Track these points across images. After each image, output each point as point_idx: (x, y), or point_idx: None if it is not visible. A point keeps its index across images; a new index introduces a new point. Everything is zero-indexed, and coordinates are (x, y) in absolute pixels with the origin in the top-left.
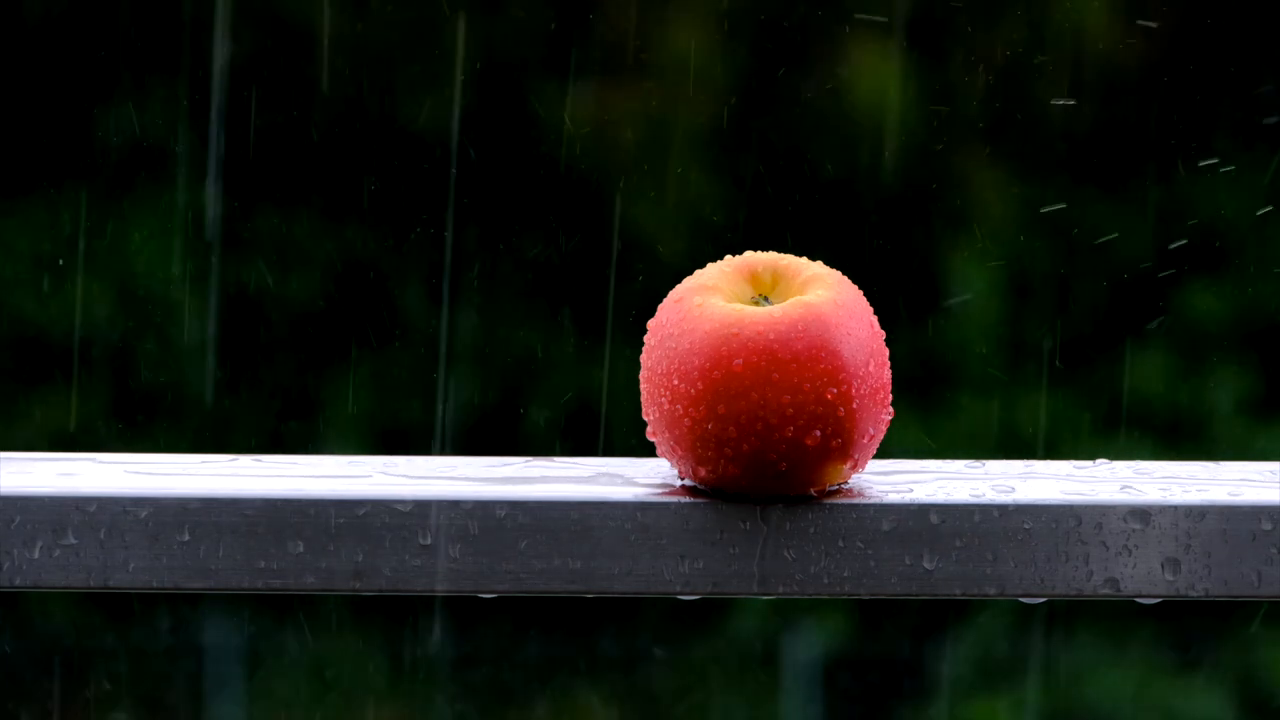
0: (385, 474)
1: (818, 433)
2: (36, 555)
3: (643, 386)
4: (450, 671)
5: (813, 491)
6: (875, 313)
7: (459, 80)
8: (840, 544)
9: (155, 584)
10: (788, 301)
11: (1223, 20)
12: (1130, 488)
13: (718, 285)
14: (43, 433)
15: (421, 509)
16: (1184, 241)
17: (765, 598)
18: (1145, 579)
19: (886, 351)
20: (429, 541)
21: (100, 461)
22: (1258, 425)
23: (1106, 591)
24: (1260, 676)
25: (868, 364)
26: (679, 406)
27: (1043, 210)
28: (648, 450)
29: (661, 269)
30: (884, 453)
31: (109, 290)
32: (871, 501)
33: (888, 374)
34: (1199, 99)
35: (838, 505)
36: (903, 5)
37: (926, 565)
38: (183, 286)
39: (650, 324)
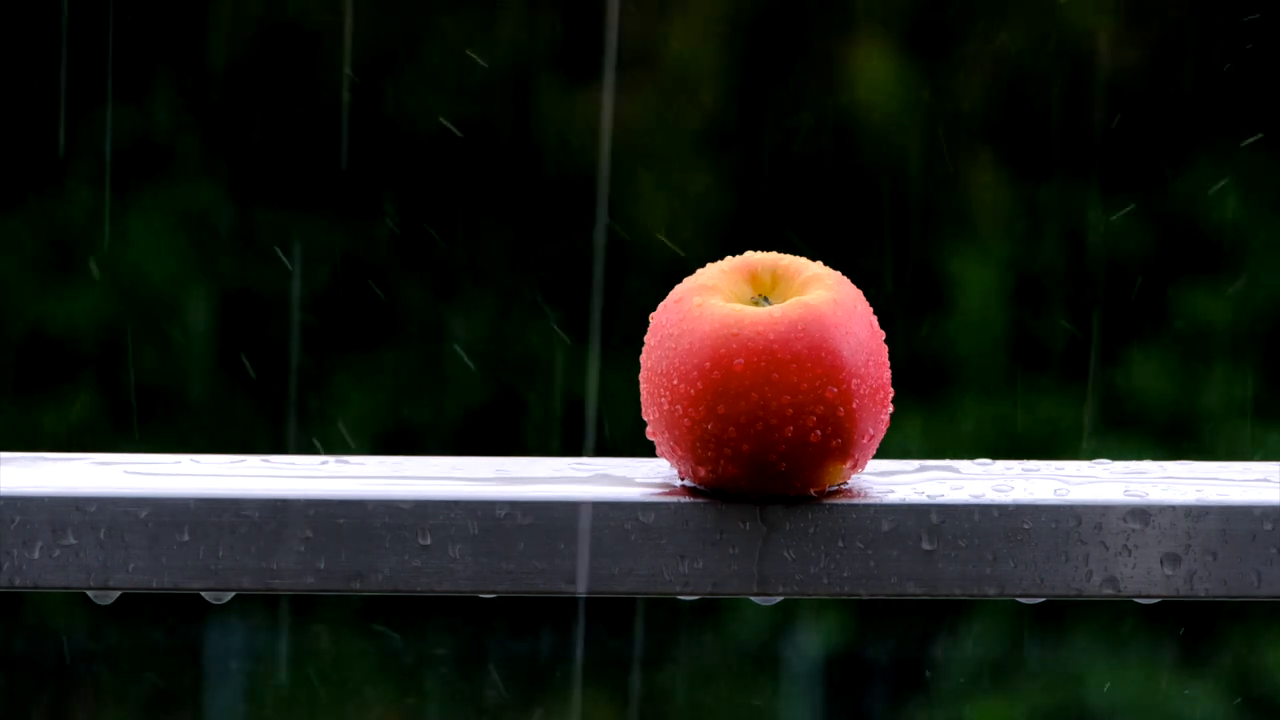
0: (385, 474)
1: (818, 433)
2: (36, 555)
3: (643, 386)
4: (450, 671)
5: (813, 491)
6: (875, 313)
7: (460, 79)
8: (840, 544)
9: (155, 584)
10: (787, 302)
11: (1224, 19)
12: (1130, 488)
13: (718, 285)
14: (43, 433)
15: (421, 509)
16: (1184, 242)
17: (765, 598)
18: (1145, 579)
19: (886, 351)
20: (429, 541)
21: (100, 461)
22: (1257, 426)
23: (1106, 592)
24: (1260, 676)
25: (867, 364)
26: (679, 406)
27: (1043, 210)
28: (648, 450)
29: (661, 269)
30: (884, 453)
31: (109, 289)
32: (871, 501)
33: (888, 374)
34: (1200, 99)
35: (838, 505)
36: (904, 5)
37: (926, 566)
38: (183, 285)
39: (650, 324)
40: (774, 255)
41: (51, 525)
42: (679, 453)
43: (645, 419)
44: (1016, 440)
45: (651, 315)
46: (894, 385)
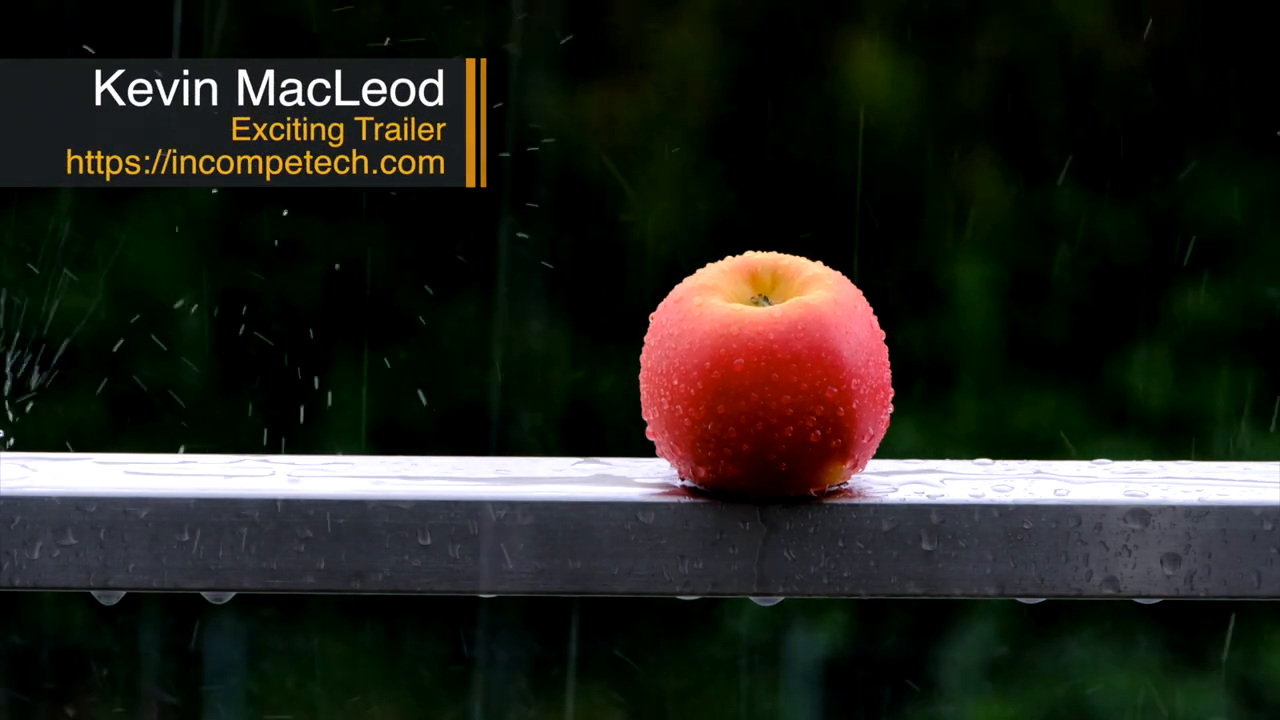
0: (385, 474)
1: (818, 433)
2: (36, 555)
3: (643, 386)
4: (449, 672)
5: (813, 491)
6: (875, 313)
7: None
8: (840, 544)
9: (155, 584)
10: (787, 302)
11: (1225, 19)
12: (1130, 488)
13: (717, 285)
14: (42, 433)
15: (421, 509)
16: (1184, 241)
17: (765, 598)
18: (1145, 579)
19: (886, 351)
20: (429, 541)
21: (100, 461)
22: (1257, 426)
23: (1107, 592)
24: (1260, 676)
25: (867, 364)
26: (679, 406)
27: (1041, 210)
28: (648, 450)
29: (661, 269)
30: (884, 453)
31: (108, 289)
32: (871, 501)
33: (888, 374)
34: (1200, 98)
35: (838, 505)
36: (903, 4)
37: (926, 566)
38: (181, 286)
39: (650, 324)
40: (774, 255)
41: (51, 525)
42: (679, 453)
43: (645, 419)
44: (1016, 440)
45: (651, 315)
46: (894, 385)
